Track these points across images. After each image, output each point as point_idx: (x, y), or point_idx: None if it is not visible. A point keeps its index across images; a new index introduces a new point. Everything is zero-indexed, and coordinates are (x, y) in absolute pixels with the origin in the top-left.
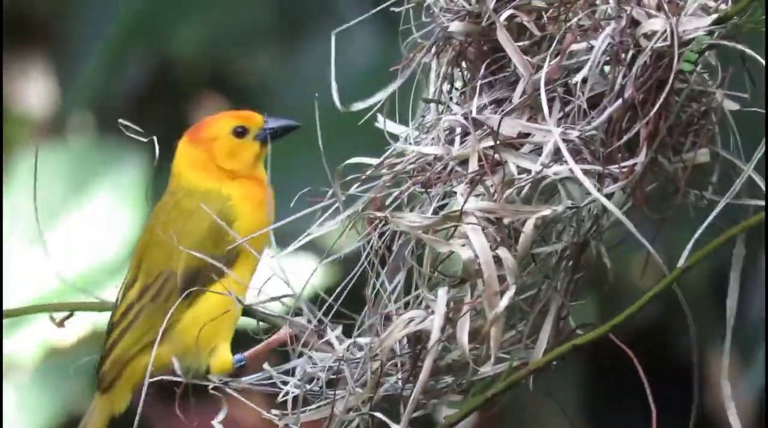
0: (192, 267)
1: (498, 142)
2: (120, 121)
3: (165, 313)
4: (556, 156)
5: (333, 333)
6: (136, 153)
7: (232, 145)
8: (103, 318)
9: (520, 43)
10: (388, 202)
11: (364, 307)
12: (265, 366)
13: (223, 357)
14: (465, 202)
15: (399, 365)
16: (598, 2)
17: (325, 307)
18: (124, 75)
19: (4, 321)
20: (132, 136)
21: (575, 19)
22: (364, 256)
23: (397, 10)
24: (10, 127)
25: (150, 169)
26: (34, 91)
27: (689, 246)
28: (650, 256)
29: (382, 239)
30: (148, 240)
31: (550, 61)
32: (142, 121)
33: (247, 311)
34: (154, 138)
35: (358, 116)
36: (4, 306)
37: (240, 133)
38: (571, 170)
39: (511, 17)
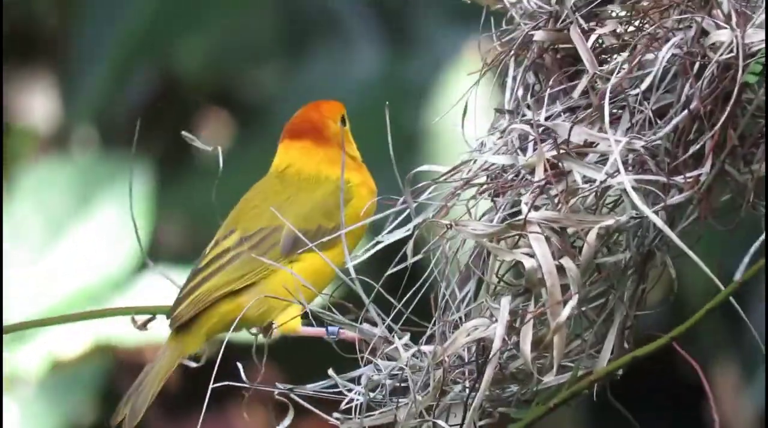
0: (299, 229)
1: (563, 151)
2: (183, 133)
3: (260, 264)
4: (624, 164)
5: (399, 341)
6: (140, 167)
7: (346, 134)
8: (105, 332)
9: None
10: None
11: (431, 315)
12: (330, 372)
13: (290, 316)
14: (528, 210)
15: (466, 374)
16: (671, 12)
17: (393, 314)
18: (129, 90)
19: (12, 336)
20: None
21: (647, 29)
22: (432, 263)
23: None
24: (14, 141)
25: (154, 183)
26: (39, 105)
27: (746, 259)
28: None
29: (450, 247)
30: (243, 207)
31: (620, 70)
32: (146, 136)
33: (315, 316)
34: (219, 148)
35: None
36: (10, 320)
37: (344, 121)
38: (638, 180)
39: (589, 26)
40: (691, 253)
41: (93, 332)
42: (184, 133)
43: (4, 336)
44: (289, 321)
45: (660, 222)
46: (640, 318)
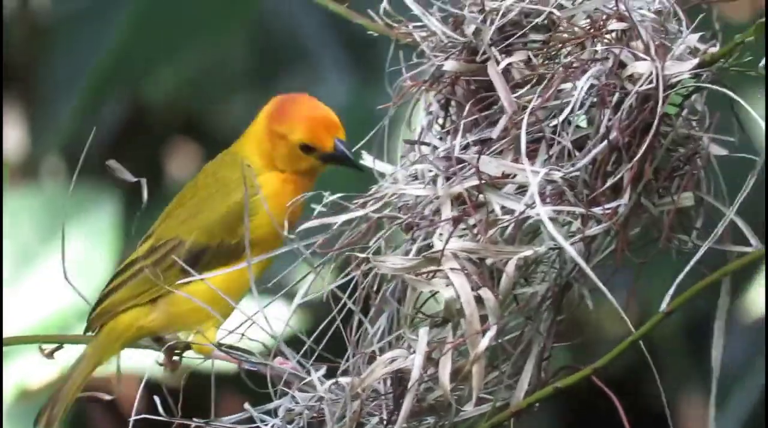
0: (200, 244)
1: (482, 182)
2: (108, 161)
3: (163, 279)
4: (541, 196)
5: (316, 373)
6: (109, 197)
7: (294, 154)
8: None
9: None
10: (371, 243)
11: (343, 350)
12: (246, 406)
13: (206, 338)
14: (446, 242)
15: (383, 406)
16: (588, 44)
17: (304, 349)
18: (99, 120)
19: None
20: (118, 174)
21: (564, 60)
22: (345, 297)
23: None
24: None
25: (123, 213)
26: (9, 135)
27: (671, 291)
28: (629, 300)
29: (366, 280)
30: (169, 208)
31: (537, 103)
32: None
33: (225, 353)
34: (143, 180)
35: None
36: None
37: (306, 149)
38: (556, 211)
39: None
40: (602, 287)
41: (61, 361)
42: (108, 161)
43: None
44: (204, 341)
45: (575, 255)
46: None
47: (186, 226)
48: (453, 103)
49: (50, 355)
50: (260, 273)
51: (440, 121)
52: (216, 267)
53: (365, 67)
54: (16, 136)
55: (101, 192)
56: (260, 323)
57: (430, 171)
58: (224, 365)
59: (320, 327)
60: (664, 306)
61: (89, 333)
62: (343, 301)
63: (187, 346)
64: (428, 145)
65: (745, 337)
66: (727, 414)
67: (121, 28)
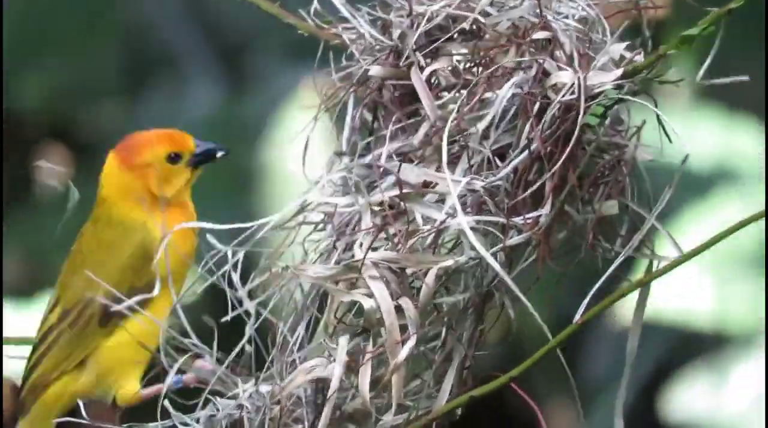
0: (111, 298)
1: (403, 191)
2: (38, 162)
3: (83, 341)
4: (463, 205)
5: (238, 380)
6: None
7: (166, 172)
8: None
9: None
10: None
11: (261, 358)
12: (168, 407)
13: (129, 387)
14: (366, 251)
15: (305, 414)
16: (512, 52)
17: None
18: None
19: None
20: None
21: (488, 69)
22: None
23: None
24: None
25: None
26: None
27: (585, 301)
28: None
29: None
30: (72, 264)
31: (460, 111)
32: None
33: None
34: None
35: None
36: None
37: (174, 158)
38: (478, 220)
39: (428, 63)
40: (521, 296)
41: None
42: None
43: None
44: (125, 394)
45: (495, 264)
46: (484, 358)
47: (92, 283)
48: (381, 107)
49: None
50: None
51: (366, 125)
52: (134, 314)
53: (236, 76)
54: None
55: None
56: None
57: (353, 179)
58: None
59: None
60: (578, 316)
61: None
62: (264, 313)
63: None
64: (347, 154)
65: (614, 345)
66: (593, 422)
67: None
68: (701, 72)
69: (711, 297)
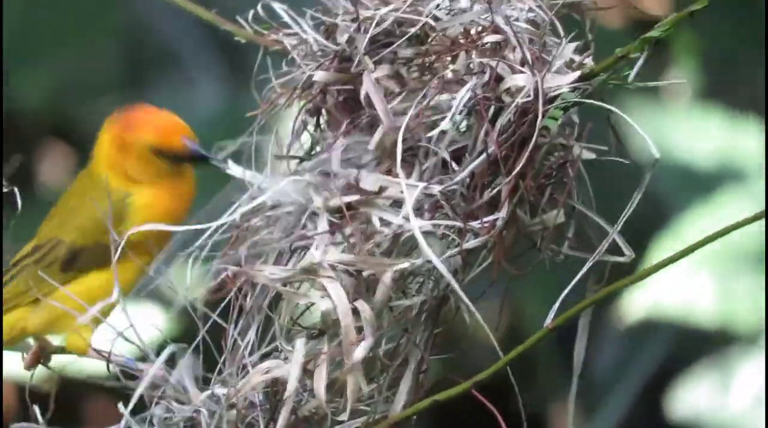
0: (78, 244)
1: (361, 197)
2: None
3: (42, 279)
4: (419, 209)
5: (191, 383)
6: None
7: (145, 160)
8: None
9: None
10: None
11: (213, 359)
12: (121, 408)
13: (81, 335)
14: (323, 254)
15: (260, 417)
16: (463, 56)
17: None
18: None
19: None
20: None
21: (439, 73)
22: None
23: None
24: None
25: None
26: None
27: (555, 306)
28: (501, 313)
29: (239, 290)
30: (59, 204)
31: (412, 115)
32: None
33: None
34: (15, 189)
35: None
36: None
37: (156, 152)
38: (437, 226)
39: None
40: (469, 304)
41: None
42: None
43: None
44: (78, 341)
45: (445, 271)
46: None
47: (65, 227)
48: (323, 111)
49: None
50: (136, 277)
51: (310, 128)
52: (95, 269)
53: (238, 73)
54: None
55: None
56: (130, 332)
57: (307, 184)
58: (96, 370)
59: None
60: (548, 321)
61: None
62: (213, 316)
63: (59, 349)
64: (298, 158)
65: (617, 344)
66: (597, 421)
67: None
68: (632, 74)
69: (714, 296)
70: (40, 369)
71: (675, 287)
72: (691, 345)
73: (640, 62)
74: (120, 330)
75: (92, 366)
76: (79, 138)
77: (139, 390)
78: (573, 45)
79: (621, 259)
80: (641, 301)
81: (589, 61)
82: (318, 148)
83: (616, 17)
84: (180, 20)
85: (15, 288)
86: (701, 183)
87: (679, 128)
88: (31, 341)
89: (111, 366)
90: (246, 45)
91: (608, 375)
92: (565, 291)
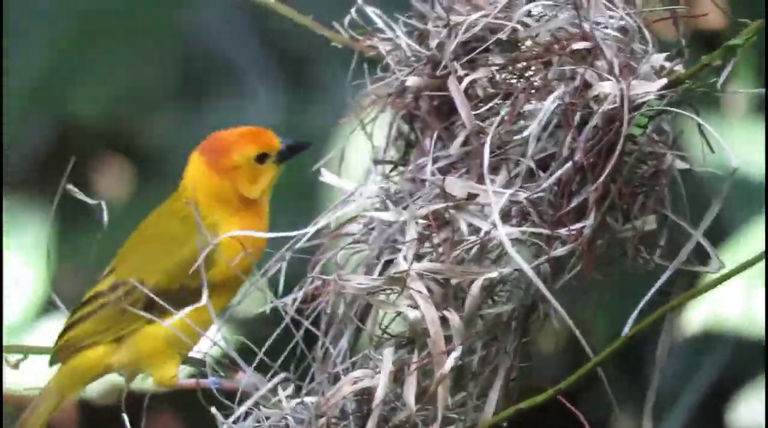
0: (162, 287)
1: (448, 204)
2: (69, 186)
3: (124, 320)
4: (506, 216)
5: (282, 392)
6: (39, 214)
7: (254, 172)
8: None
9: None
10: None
11: (309, 368)
12: (218, 416)
13: (167, 370)
14: (411, 263)
15: (350, 426)
16: (552, 63)
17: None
18: (26, 137)
19: None
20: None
21: (529, 80)
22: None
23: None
24: None
25: (53, 231)
26: None
27: (635, 314)
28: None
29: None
30: (134, 241)
31: (501, 122)
32: (44, 184)
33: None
34: (103, 202)
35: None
36: None
37: (261, 158)
38: (524, 233)
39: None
40: (560, 309)
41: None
42: (69, 186)
43: None
44: (165, 376)
45: (535, 278)
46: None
47: (148, 268)
48: (417, 118)
49: (16, 366)
50: (222, 311)
51: (404, 134)
52: (179, 308)
53: (295, 85)
54: None
55: (31, 209)
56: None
57: (396, 192)
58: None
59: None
60: (626, 329)
61: (54, 366)
62: (306, 324)
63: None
64: (392, 163)
65: (678, 356)
66: None
67: (45, 47)
68: (721, 80)
69: None
70: (102, 383)
71: (733, 299)
72: (751, 357)
73: (728, 69)
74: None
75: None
76: (137, 151)
77: (244, 406)
78: (662, 54)
79: (709, 270)
80: (700, 313)
81: (679, 68)
82: (411, 155)
83: (672, 29)
84: (237, 32)
85: (96, 325)
86: (760, 196)
87: (736, 140)
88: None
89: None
90: (303, 56)
91: (670, 386)
92: (645, 299)
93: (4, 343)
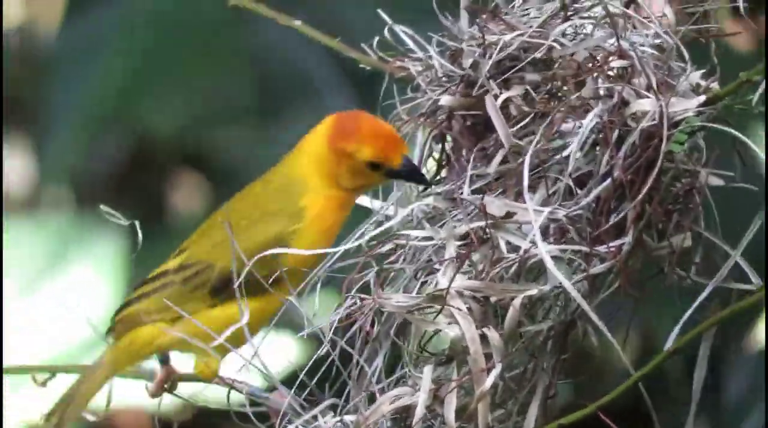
0: (230, 271)
1: (488, 223)
2: (102, 206)
3: (188, 301)
4: (545, 234)
5: (320, 411)
6: (113, 228)
7: (359, 170)
8: None
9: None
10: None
11: (346, 386)
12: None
13: (211, 362)
14: (451, 281)
15: None
16: (589, 81)
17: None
18: (102, 151)
19: None
20: (112, 219)
21: (565, 98)
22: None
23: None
24: None
25: (127, 244)
26: (12, 167)
27: (676, 329)
28: (628, 337)
29: (366, 318)
30: (210, 221)
31: (538, 140)
32: (120, 198)
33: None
34: (136, 222)
35: None
36: None
37: (373, 166)
38: (563, 251)
39: (501, 92)
40: (602, 327)
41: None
42: (102, 206)
43: None
44: (206, 367)
45: (577, 295)
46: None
47: (219, 250)
48: (449, 138)
49: (43, 384)
50: (279, 308)
51: (436, 155)
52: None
53: (369, 101)
54: (20, 168)
55: (105, 222)
56: (256, 363)
57: (430, 212)
58: (220, 398)
59: (315, 364)
60: (669, 344)
61: (109, 337)
62: (343, 341)
63: (186, 377)
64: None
65: (750, 369)
66: None
67: (123, 63)
68: (755, 98)
69: None
70: (173, 398)
71: None
72: None
73: (762, 86)
74: (248, 358)
75: (215, 396)
76: (212, 166)
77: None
78: (699, 72)
79: (747, 287)
80: None
81: (714, 86)
82: (444, 174)
83: (744, 40)
84: (312, 48)
85: (158, 302)
86: None
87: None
88: (157, 368)
89: (237, 392)
90: (377, 72)
91: (741, 400)
92: (686, 315)
93: (80, 359)
